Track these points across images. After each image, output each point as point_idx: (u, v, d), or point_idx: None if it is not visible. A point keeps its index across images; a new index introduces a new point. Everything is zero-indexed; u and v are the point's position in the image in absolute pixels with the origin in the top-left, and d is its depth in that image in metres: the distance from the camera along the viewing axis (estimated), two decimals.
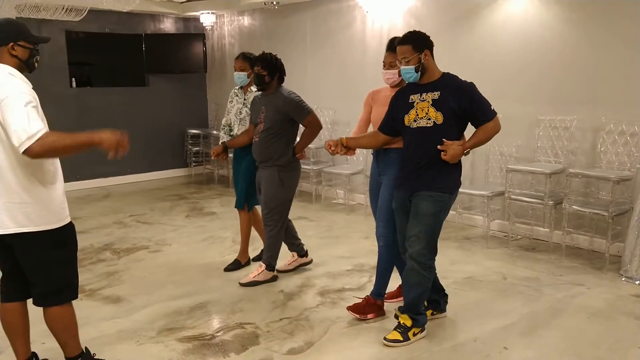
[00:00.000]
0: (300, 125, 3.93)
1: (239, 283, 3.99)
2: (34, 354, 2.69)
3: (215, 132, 8.15)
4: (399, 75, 3.18)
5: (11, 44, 2.34)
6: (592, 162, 4.66)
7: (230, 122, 4.34)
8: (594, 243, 4.63)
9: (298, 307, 3.59)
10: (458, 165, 3.04)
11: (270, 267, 4.02)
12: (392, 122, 3.14)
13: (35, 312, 2.64)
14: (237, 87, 4.38)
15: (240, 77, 4.21)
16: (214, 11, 7.94)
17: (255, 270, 4.03)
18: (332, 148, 3.17)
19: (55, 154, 2.29)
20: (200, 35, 8.39)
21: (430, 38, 3.03)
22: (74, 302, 2.58)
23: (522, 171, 4.77)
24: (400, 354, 2.98)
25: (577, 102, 4.70)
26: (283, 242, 4.13)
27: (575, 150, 4.74)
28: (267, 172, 3.88)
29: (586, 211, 4.36)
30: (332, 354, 2.99)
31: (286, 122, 3.83)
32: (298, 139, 3.98)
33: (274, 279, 4.04)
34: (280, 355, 2.97)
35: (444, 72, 3.05)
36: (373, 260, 4.44)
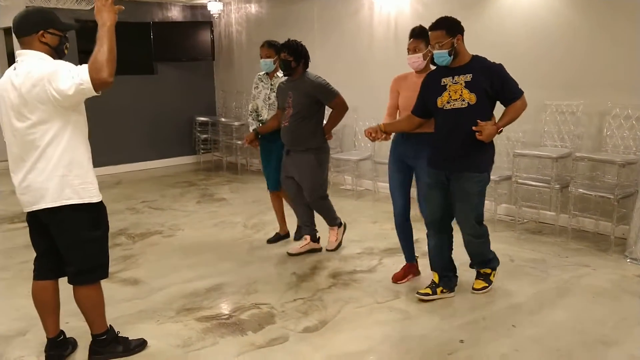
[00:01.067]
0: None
1: (327, 249, 4.37)
2: (62, 332, 2.80)
3: (223, 119, 8.24)
4: (424, 59, 3.40)
5: (41, 31, 2.42)
6: (598, 146, 4.72)
7: (257, 107, 4.52)
8: (599, 226, 4.71)
9: (311, 288, 3.70)
10: (492, 143, 3.25)
11: (340, 224, 4.41)
12: (425, 104, 3.31)
13: (62, 292, 2.75)
14: (261, 73, 4.54)
15: (267, 63, 4.37)
16: None
17: (333, 235, 4.38)
18: (373, 135, 3.36)
19: (110, 63, 2.30)
20: (207, 23, 8.43)
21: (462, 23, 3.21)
22: None
23: (529, 155, 4.83)
24: (412, 330, 3.09)
25: (584, 86, 4.75)
26: (297, 222, 4.50)
27: (581, 135, 4.80)
28: (301, 157, 4.06)
29: (592, 194, 4.44)
30: (346, 332, 3.09)
31: (314, 104, 4.01)
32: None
33: (345, 227, 4.47)
34: (296, 334, 3.08)
35: (473, 55, 3.22)
36: (382, 243, 4.57)
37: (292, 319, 3.26)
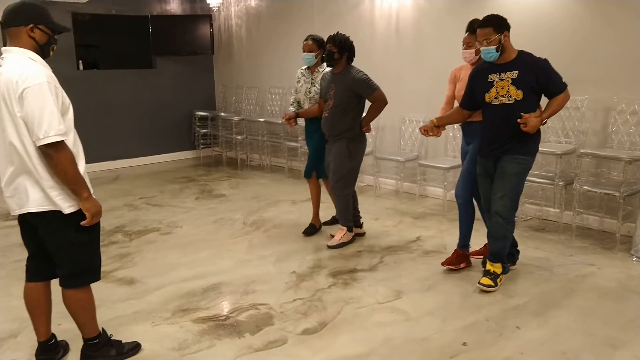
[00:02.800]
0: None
1: (328, 246, 4.33)
2: (53, 335, 2.73)
3: (223, 114, 8.16)
4: (476, 54, 3.57)
5: (31, 25, 2.34)
6: (603, 142, 4.63)
7: (299, 99, 4.63)
8: (604, 223, 4.62)
9: (311, 288, 3.62)
10: (538, 132, 3.38)
11: (350, 228, 4.41)
12: (472, 98, 3.50)
13: (54, 294, 2.67)
14: (303, 67, 4.62)
15: (309, 57, 4.44)
16: None
17: (339, 234, 4.37)
18: (430, 133, 3.54)
19: (59, 169, 2.31)
20: (206, 16, 8.33)
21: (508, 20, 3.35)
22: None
23: None
24: (414, 332, 3.01)
25: (589, 81, 4.64)
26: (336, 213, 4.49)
27: (586, 131, 4.71)
28: (336, 144, 4.20)
29: (597, 191, 4.35)
30: (346, 334, 3.02)
31: (354, 98, 4.13)
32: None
33: (353, 239, 4.44)
34: (295, 336, 3.00)
35: (519, 51, 3.37)
36: (383, 241, 4.49)
37: (291, 320, 3.18)
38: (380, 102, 4.18)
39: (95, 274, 2.58)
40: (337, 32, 4.15)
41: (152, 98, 8.17)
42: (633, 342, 2.87)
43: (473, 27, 3.55)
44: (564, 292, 3.51)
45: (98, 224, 2.54)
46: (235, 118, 7.75)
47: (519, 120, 3.23)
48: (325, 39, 4.38)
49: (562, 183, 4.52)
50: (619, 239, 4.24)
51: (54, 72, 2.42)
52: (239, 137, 7.73)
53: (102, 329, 2.73)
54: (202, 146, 8.46)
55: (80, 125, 2.51)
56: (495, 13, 3.38)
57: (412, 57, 5.93)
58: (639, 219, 4.05)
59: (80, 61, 7.63)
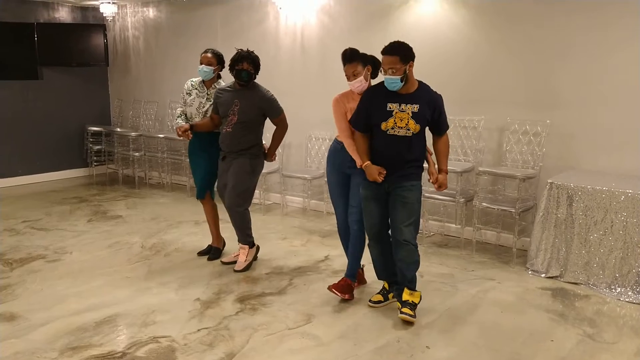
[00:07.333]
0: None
1: (234, 270, 4.14)
2: None
3: (119, 129, 7.68)
4: (365, 80, 3.40)
5: None
6: (498, 161, 4.87)
7: (187, 113, 4.34)
8: (501, 238, 4.84)
9: (216, 315, 3.42)
10: (424, 156, 3.41)
11: (252, 243, 4.28)
12: (369, 120, 3.29)
13: None
14: (194, 80, 4.35)
15: (207, 71, 4.22)
16: (115, 1, 7.45)
17: (242, 255, 4.22)
18: (382, 177, 3.27)
19: None
20: (100, 26, 7.85)
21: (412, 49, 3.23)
22: None
23: None
24: (326, 358, 2.91)
25: (485, 102, 4.88)
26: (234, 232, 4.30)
27: (482, 149, 4.93)
28: (238, 160, 4.06)
29: (494, 208, 4.55)
30: None
31: (260, 117, 4.07)
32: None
33: (258, 249, 4.39)
34: None
35: (419, 82, 3.28)
36: (292, 262, 4.38)
37: (196, 352, 2.96)
38: (284, 125, 4.15)
39: None
40: (248, 50, 4.01)
41: (38, 111, 7.52)
42: (535, 357, 2.97)
43: (346, 56, 3.42)
44: (469, 307, 3.59)
45: None
46: (133, 134, 7.33)
47: (431, 181, 3.32)
48: (222, 55, 4.26)
49: (462, 200, 4.68)
50: (515, 253, 4.45)
51: None
52: (137, 153, 7.31)
53: None
54: (95, 163, 7.90)
55: None
56: (401, 40, 3.22)
57: (318, 74, 5.93)
58: (533, 234, 4.27)
59: None
